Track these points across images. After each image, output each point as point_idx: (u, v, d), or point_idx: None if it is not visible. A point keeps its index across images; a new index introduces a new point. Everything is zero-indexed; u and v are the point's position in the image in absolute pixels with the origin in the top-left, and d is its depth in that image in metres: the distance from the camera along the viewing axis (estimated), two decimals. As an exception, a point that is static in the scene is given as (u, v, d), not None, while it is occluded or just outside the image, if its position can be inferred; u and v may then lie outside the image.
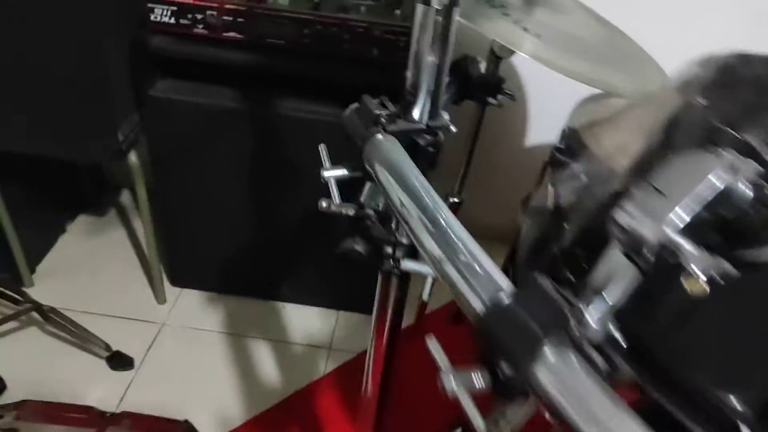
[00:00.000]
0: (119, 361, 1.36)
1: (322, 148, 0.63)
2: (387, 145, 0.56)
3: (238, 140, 1.27)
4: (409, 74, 0.57)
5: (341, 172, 0.61)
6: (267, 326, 1.51)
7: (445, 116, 0.59)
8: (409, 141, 0.58)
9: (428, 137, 0.58)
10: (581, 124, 1.01)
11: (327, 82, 1.22)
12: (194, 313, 1.52)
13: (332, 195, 0.60)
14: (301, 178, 1.28)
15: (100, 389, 1.32)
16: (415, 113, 0.58)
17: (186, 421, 1.24)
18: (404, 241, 0.67)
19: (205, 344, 1.45)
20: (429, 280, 0.62)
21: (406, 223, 0.51)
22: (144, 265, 1.61)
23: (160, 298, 1.53)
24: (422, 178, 0.53)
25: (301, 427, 1.30)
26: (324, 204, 0.65)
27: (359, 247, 0.66)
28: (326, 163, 0.62)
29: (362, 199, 0.69)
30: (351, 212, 0.63)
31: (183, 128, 1.27)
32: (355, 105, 0.61)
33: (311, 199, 1.33)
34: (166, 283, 1.57)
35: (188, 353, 1.43)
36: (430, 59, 0.55)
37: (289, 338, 1.49)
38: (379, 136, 0.57)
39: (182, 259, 1.54)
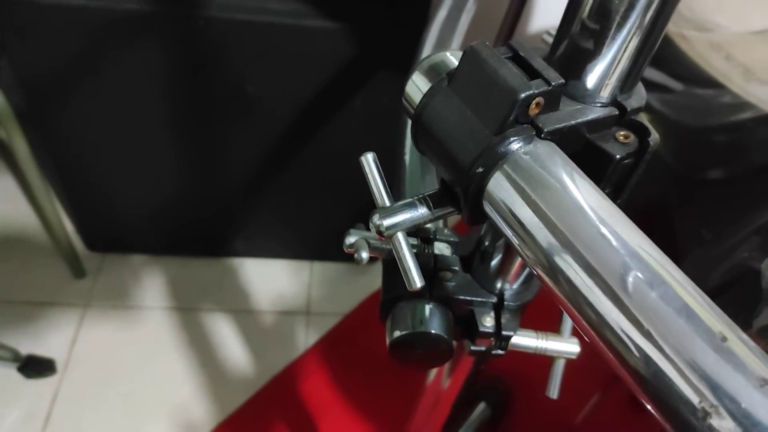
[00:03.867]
0: (36, 367, 1.03)
1: (369, 160, 0.29)
2: (545, 162, 0.23)
3: (154, 56, 0.86)
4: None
5: (409, 217, 0.28)
6: (224, 293, 1.20)
7: (641, 88, 0.27)
8: (578, 146, 0.25)
9: (626, 137, 0.25)
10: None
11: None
12: (125, 286, 1.18)
13: (410, 275, 0.28)
14: (249, 100, 0.91)
15: (17, 409, 1.01)
16: (591, 80, 0.25)
17: (138, 439, 0.96)
18: (513, 302, 0.37)
19: (145, 326, 1.13)
20: (559, 368, 0.31)
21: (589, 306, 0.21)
22: (48, 230, 1.22)
23: (78, 270, 1.17)
24: (634, 227, 0.22)
25: (288, 423, 1.04)
26: (364, 254, 0.33)
27: (438, 324, 0.35)
28: (382, 196, 0.28)
29: (434, 231, 0.37)
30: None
31: (65, 46, 0.86)
32: (437, 69, 0.27)
33: (264, 126, 0.97)
34: (83, 250, 1.20)
35: (126, 342, 1.11)
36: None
37: (254, 306, 1.19)
38: (527, 145, 0.24)
39: (98, 216, 1.16)
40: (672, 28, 0.70)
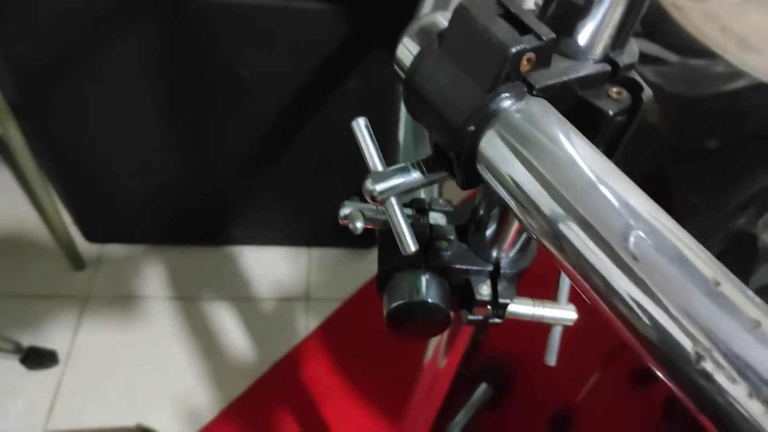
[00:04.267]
0: (38, 358, 1.04)
1: (361, 125, 0.29)
2: (537, 119, 0.23)
3: (148, 43, 0.86)
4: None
5: (403, 182, 0.28)
6: (223, 281, 1.20)
7: (634, 44, 0.27)
8: (570, 104, 0.25)
9: (618, 93, 0.25)
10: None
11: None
12: (125, 276, 1.18)
13: (404, 239, 0.28)
14: (243, 84, 0.91)
15: (22, 401, 1.01)
16: (583, 36, 0.25)
17: (138, 427, 0.96)
18: (509, 270, 0.37)
19: (146, 316, 1.14)
20: (556, 335, 0.31)
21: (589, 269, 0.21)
22: (47, 222, 1.22)
23: (77, 262, 1.17)
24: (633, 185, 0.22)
25: (290, 408, 1.05)
26: (359, 224, 0.33)
27: (435, 293, 0.35)
28: (374, 161, 0.28)
29: (429, 201, 0.37)
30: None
31: (58, 36, 0.85)
32: (429, 31, 0.27)
33: (259, 110, 0.97)
34: (82, 242, 1.20)
35: (127, 331, 1.11)
36: None
37: (254, 293, 1.19)
38: (518, 102, 0.24)
39: (96, 207, 1.16)
40: None
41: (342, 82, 0.92)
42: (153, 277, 1.19)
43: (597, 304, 0.22)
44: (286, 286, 1.21)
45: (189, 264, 1.21)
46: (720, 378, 0.18)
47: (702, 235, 0.53)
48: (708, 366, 0.18)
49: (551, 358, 0.38)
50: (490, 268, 0.37)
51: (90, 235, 1.21)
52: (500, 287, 0.36)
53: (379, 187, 0.27)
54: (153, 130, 0.99)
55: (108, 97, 0.94)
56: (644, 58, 0.69)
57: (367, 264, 1.25)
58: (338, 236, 1.19)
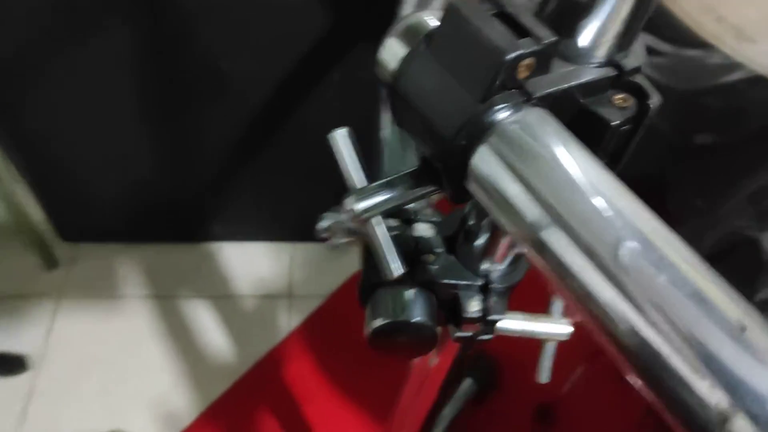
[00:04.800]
0: (6, 365, 1.00)
1: (339, 138, 0.26)
2: (536, 132, 0.21)
3: (122, 36, 0.82)
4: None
5: (385, 198, 0.25)
6: (202, 278, 1.16)
7: (641, 49, 0.24)
8: (572, 113, 0.23)
9: (623, 100, 0.23)
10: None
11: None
12: (101, 275, 1.14)
13: (386, 264, 0.25)
14: (222, 77, 0.88)
15: (-11, 407, 0.97)
16: (586, 37, 0.22)
17: (116, 432, 0.94)
18: (500, 284, 0.34)
19: (122, 316, 1.10)
20: (549, 351, 0.29)
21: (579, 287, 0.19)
22: (19, 219, 1.18)
23: (50, 260, 1.13)
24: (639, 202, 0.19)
25: (272, 409, 1.02)
26: (334, 243, 0.30)
27: (421, 311, 0.32)
28: (355, 177, 0.26)
29: (415, 211, 0.35)
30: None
31: (27, 31, 0.81)
32: (417, 31, 0.24)
33: (238, 105, 0.93)
34: (55, 240, 1.16)
35: (102, 333, 1.08)
36: None
37: (235, 290, 1.16)
38: (515, 113, 0.21)
39: (71, 204, 1.12)
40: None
41: (325, 75, 0.89)
42: (129, 275, 1.15)
43: (587, 320, 0.20)
44: (267, 282, 1.18)
45: (167, 261, 1.17)
46: (705, 394, 0.16)
47: (702, 236, 0.51)
48: (735, 428, 0.16)
49: (544, 375, 0.36)
50: (480, 282, 0.34)
51: (64, 234, 1.17)
52: (491, 303, 0.34)
53: (362, 205, 0.25)
54: (129, 125, 0.95)
55: (82, 92, 0.90)
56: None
57: (352, 259, 1.22)
58: (321, 231, 1.16)
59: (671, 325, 0.17)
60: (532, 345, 0.38)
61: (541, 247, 0.20)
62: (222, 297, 1.15)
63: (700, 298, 0.17)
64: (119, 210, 1.13)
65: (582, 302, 0.20)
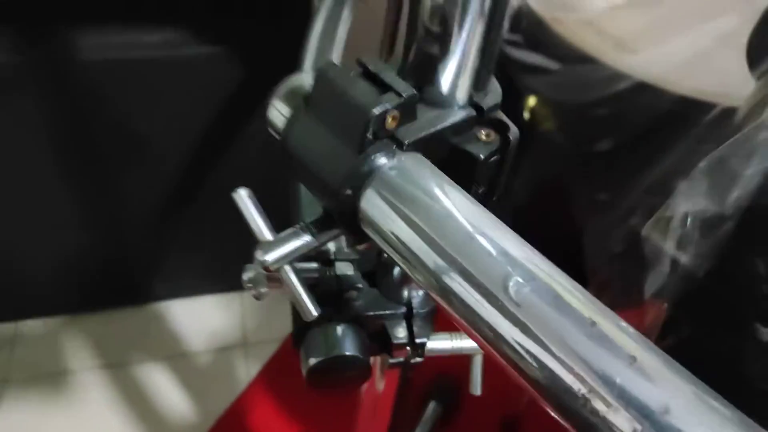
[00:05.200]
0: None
1: (243, 196, 0.28)
2: (412, 175, 0.23)
3: (35, 107, 0.81)
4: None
5: (295, 246, 0.27)
6: (153, 340, 1.15)
7: (496, 84, 0.27)
8: (444, 152, 0.26)
9: (487, 135, 0.26)
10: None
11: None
12: (45, 352, 1.11)
13: (303, 306, 0.27)
14: (140, 138, 0.88)
15: None
16: (445, 84, 0.25)
17: None
18: (422, 309, 0.37)
19: (73, 390, 1.07)
20: (478, 364, 0.32)
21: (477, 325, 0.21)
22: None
23: (-11, 345, 1.09)
24: (515, 236, 0.22)
25: (240, 463, 1.01)
26: (262, 289, 0.32)
27: (351, 345, 0.34)
28: (262, 231, 0.28)
29: (334, 252, 0.37)
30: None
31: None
32: (296, 93, 0.27)
33: (161, 162, 0.94)
34: (-9, 323, 1.12)
35: (54, 411, 1.04)
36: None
37: (188, 348, 1.15)
38: (391, 160, 0.24)
39: (4, 284, 1.09)
40: (545, 12, 0.73)
41: (244, 123, 0.91)
42: (76, 348, 1.12)
43: (488, 351, 0.22)
44: (221, 335, 1.17)
45: (113, 329, 1.15)
46: (608, 415, 0.18)
47: (604, 236, 0.55)
48: (597, 406, 0.18)
49: (476, 388, 0.38)
50: (404, 309, 0.36)
51: (4, 313, 1.13)
52: (416, 327, 0.36)
53: (271, 257, 0.27)
54: (53, 197, 0.94)
55: (1, 173, 0.89)
56: (531, 69, 0.72)
57: (302, 299, 1.23)
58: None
59: (541, 331, 0.20)
60: (488, 361, 0.39)
61: (427, 277, 0.22)
62: (176, 356, 1.13)
63: (558, 304, 0.20)
64: (57, 283, 1.11)
65: (477, 333, 0.22)
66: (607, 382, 0.18)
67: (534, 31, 0.73)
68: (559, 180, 0.65)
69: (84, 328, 1.14)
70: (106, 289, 1.14)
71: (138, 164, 0.92)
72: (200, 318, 1.18)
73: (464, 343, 0.38)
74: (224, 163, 0.96)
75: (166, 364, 1.12)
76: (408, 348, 0.37)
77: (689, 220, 0.33)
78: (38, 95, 0.80)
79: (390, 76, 0.24)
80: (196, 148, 0.93)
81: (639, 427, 0.18)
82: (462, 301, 0.21)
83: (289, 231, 0.28)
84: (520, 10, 0.77)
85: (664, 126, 0.59)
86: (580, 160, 0.64)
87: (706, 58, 0.60)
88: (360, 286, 0.36)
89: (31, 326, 1.14)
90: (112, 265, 1.09)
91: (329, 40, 0.54)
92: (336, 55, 0.53)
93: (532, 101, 0.74)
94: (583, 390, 0.19)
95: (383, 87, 0.24)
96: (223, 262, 1.17)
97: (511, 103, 0.86)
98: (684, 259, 0.34)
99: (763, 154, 0.31)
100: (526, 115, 0.75)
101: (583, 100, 0.67)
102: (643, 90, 0.62)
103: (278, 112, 0.27)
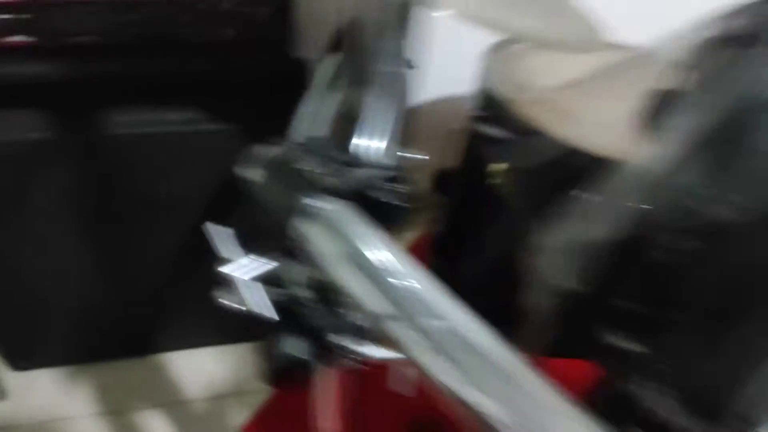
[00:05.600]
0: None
1: (214, 227, 0.38)
2: (338, 221, 0.33)
3: (58, 180, 0.93)
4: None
5: (256, 266, 0.37)
6: (153, 389, 1.22)
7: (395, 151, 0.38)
8: (365, 200, 0.36)
9: (399, 187, 0.36)
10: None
11: (167, 81, 0.92)
12: (54, 400, 1.18)
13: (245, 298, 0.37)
14: (153, 205, 0.99)
15: None
16: (361, 146, 0.36)
17: None
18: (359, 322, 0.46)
19: (77, 436, 1.13)
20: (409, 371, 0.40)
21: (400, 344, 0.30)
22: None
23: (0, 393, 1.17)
24: (419, 272, 0.31)
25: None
26: (226, 301, 0.41)
27: (297, 350, 0.43)
28: (223, 249, 0.38)
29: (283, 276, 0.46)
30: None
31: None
32: (259, 159, 0.37)
33: (181, 225, 1.04)
34: (5, 370, 1.20)
35: (58, 456, 1.11)
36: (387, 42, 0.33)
37: (186, 396, 1.22)
38: (323, 206, 0.34)
39: (22, 335, 1.18)
40: (506, 93, 0.85)
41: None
42: (80, 396, 1.19)
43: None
44: (217, 384, 1.24)
45: (117, 378, 1.22)
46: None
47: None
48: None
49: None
50: (348, 322, 0.46)
51: (16, 363, 1.21)
52: (356, 337, 0.45)
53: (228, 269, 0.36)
54: (72, 254, 1.03)
55: (23, 231, 0.99)
56: (494, 141, 0.84)
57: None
58: (263, 330, 1.24)
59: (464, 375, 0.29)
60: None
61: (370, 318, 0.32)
62: (173, 403, 1.20)
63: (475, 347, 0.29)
64: (68, 335, 1.19)
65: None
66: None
67: (497, 109, 0.86)
68: (516, 233, 0.75)
69: (91, 376, 1.22)
70: (115, 341, 1.23)
71: (153, 227, 1.02)
72: (199, 368, 1.26)
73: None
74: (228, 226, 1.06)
75: (164, 410, 1.18)
76: (350, 354, 0.46)
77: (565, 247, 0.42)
78: (68, 165, 0.91)
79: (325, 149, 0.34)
80: (207, 213, 1.03)
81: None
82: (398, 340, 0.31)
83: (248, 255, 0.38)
84: (487, 91, 0.90)
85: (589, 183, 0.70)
86: (531, 215, 0.74)
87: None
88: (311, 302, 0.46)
89: (42, 375, 1.22)
90: (123, 319, 1.18)
91: (316, 115, 0.66)
92: (322, 129, 0.65)
93: (495, 167, 0.86)
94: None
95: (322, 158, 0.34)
96: (221, 317, 1.26)
97: (479, 168, 1.00)
98: (557, 281, 0.43)
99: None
100: (491, 179, 0.86)
101: (531, 166, 0.78)
102: (577, 155, 0.73)
103: (249, 173, 0.38)
